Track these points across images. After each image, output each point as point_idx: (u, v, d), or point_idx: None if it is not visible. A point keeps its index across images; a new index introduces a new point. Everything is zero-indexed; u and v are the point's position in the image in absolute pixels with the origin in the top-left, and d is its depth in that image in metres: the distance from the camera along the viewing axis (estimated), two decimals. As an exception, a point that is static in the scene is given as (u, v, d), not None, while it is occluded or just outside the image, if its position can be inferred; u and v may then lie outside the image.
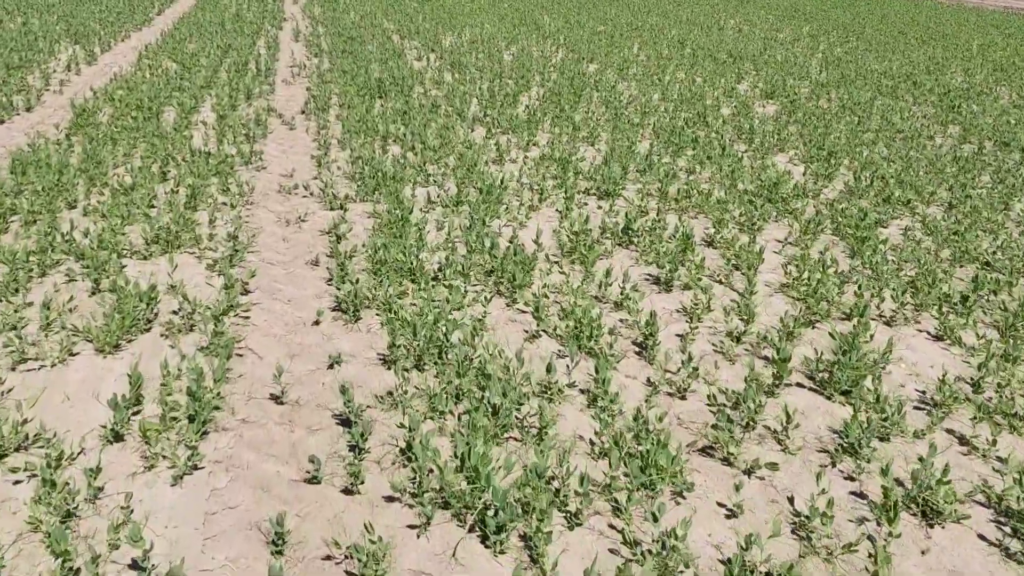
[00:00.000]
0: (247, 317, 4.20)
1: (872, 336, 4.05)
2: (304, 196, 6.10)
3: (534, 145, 7.73)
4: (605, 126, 8.35)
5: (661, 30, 16.31)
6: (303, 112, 8.57)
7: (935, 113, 9.71)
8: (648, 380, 3.78)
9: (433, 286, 4.53)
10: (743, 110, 9.28)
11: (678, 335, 4.22)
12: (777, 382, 3.69)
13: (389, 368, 3.78)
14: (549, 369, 3.50)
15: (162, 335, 3.94)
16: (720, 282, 4.89)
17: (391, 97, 9.17)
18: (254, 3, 16.73)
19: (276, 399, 3.52)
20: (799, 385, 3.80)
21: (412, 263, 4.71)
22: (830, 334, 4.02)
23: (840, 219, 5.85)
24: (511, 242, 5.03)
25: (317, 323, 4.21)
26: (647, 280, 4.87)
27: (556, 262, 5.08)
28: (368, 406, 3.48)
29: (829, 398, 3.70)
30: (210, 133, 7.42)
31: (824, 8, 23.35)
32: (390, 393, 3.57)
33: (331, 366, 3.80)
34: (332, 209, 5.85)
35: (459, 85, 9.95)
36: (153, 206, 5.56)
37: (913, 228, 5.80)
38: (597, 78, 10.72)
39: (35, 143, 6.47)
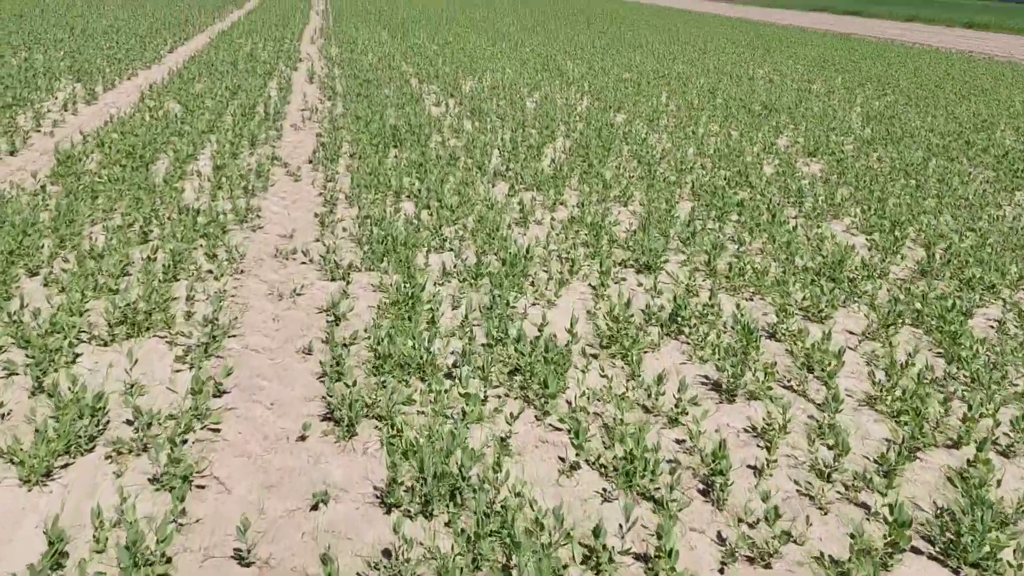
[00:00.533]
0: (217, 430, 3.41)
1: (999, 481, 3.20)
2: (303, 263, 5.35)
3: (561, 204, 6.99)
4: (638, 184, 7.62)
5: (689, 79, 15.71)
6: (310, 161, 7.90)
7: (996, 177, 8.92)
8: (719, 536, 2.95)
9: (447, 391, 3.73)
10: (787, 169, 8.54)
11: (751, 467, 3.39)
12: (891, 551, 2.84)
13: (388, 512, 2.97)
14: (597, 533, 2.67)
15: (107, 457, 3.16)
16: (793, 389, 4.07)
17: (407, 146, 8.50)
18: (270, 43, 16.30)
19: (240, 559, 2.71)
20: (915, 550, 2.95)
21: (422, 356, 3.93)
22: (948, 478, 3.19)
23: (921, 306, 5.03)
24: (540, 331, 4.25)
25: (303, 438, 3.42)
26: (704, 384, 4.06)
27: (594, 355, 4.28)
28: (359, 574, 2.66)
29: (956, 572, 2.85)
30: (205, 185, 6.73)
31: (853, 59, 22.80)
32: (388, 554, 2.75)
33: (315, 506, 2.99)
34: (333, 279, 5.10)
35: (479, 134, 9.28)
36: (127, 273, 4.83)
37: (1005, 320, 4.97)
38: (626, 129, 10.03)
39: (4, 194, 5.79)
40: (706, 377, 4.14)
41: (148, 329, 4.18)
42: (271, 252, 5.49)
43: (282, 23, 20.19)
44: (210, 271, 5.02)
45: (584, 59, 17.65)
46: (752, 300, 5.21)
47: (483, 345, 4.21)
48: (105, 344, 4.02)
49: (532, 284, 5.13)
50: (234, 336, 4.26)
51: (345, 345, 4.20)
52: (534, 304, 4.92)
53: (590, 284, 5.29)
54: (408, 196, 6.87)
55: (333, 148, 8.02)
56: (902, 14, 60.40)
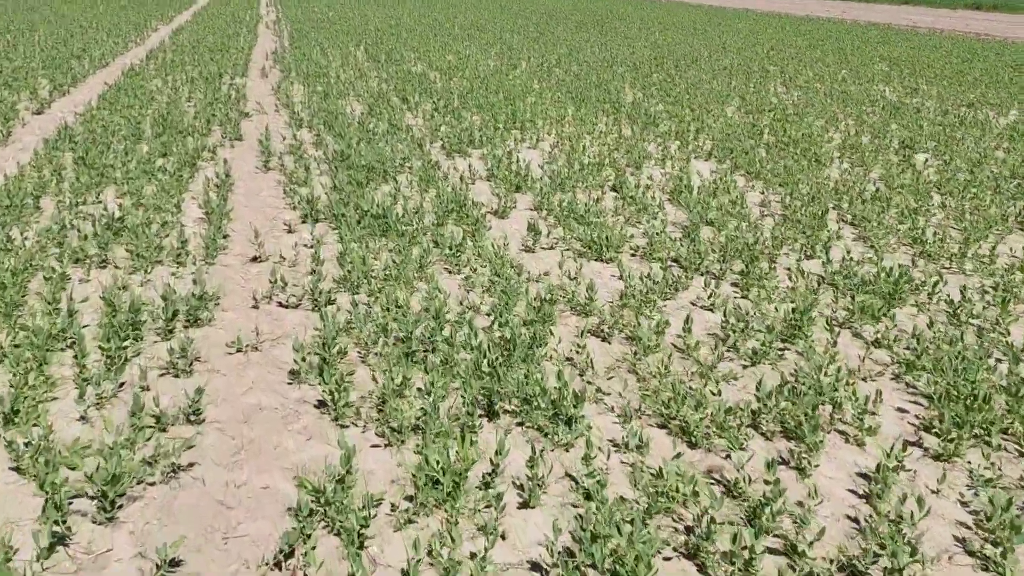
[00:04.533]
0: None
1: None
2: None
3: None
4: None
5: (830, 117, 10.70)
6: (274, 564, 2.63)
7: None
8: None
9: None
10: None
11: None
12: None
13: None
14: None
15: None
16: None
17: (525, 419, 3.33)
18: (201, 83, 10.89)
19: None
20: None
21: None
22: None
23: None
24: None
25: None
26: None
27: None
28: None
29: None
30: None
31: (942, 61, 18.03)
32: None
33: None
34: None
35: (652, 334, 4.13)
36: None
37: None
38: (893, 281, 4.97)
39: None
40: None
41: None
42: None
43: (221, 46, 14.73)
44: None
45: (647, 83, 12.50)
46: None
47: None
48: None
49: None
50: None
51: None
52: None
53: None
54: None
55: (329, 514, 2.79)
56: (900, -3, 56.32)
